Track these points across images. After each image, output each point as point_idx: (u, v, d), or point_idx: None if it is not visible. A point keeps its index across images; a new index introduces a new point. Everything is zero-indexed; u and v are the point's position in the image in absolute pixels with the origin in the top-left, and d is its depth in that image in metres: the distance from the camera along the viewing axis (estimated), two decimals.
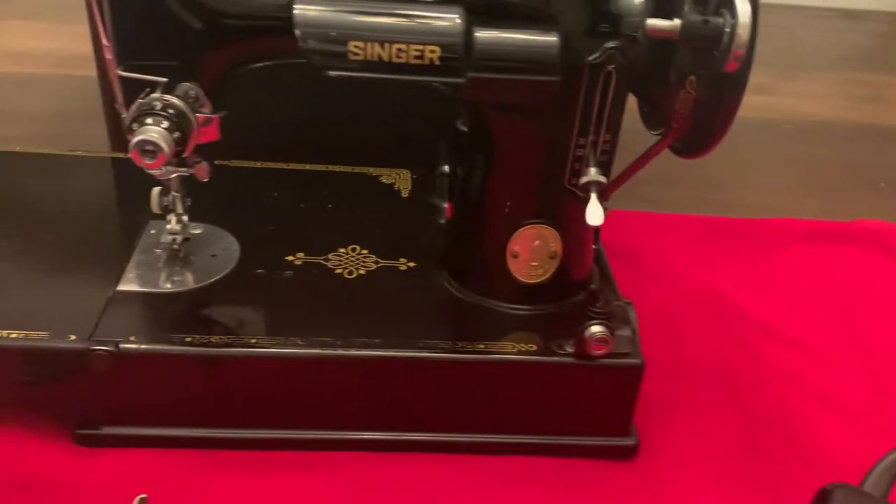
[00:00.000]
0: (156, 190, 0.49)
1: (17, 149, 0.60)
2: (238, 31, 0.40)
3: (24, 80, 0.90)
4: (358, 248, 0.52)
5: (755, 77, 1.18)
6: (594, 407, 0.47)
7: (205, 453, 0.45)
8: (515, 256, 0.47)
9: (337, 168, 0.62)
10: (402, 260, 0.52)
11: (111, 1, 0.38)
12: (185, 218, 0.50)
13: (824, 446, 0.52)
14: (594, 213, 0.42)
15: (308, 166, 0.61)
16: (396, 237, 0.54)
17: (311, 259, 0.51)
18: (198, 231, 0.52)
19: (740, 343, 0.59)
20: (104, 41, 0.39)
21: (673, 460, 0.49)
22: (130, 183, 0.57)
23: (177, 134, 0.39)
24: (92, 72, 0.93)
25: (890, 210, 0.79)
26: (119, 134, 0.67)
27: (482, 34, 0.38)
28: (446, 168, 0.57)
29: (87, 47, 0.99)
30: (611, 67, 0.41)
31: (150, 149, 0.38)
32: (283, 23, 0.38)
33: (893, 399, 0.56)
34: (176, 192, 0.48)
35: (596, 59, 0.40)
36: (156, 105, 0.39)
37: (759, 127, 0.95)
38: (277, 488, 0.44)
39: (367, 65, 0.37)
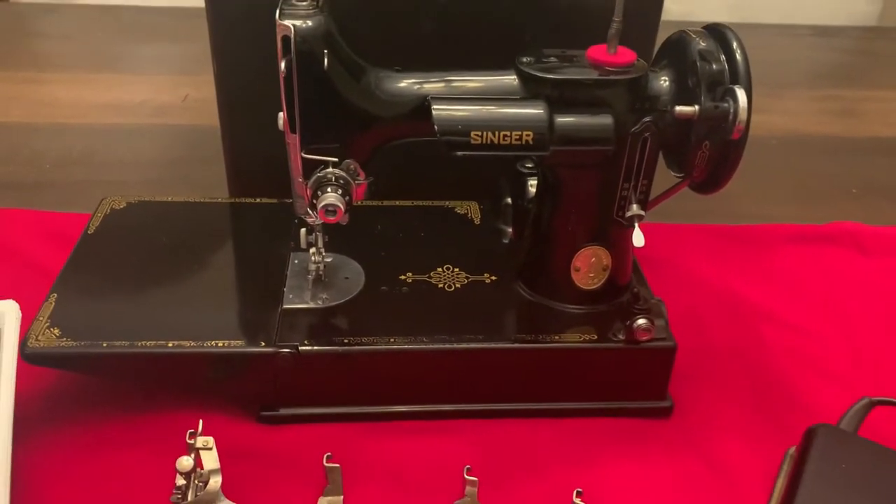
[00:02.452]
0: (303, 230, 0.64)
1: (170, 198, 0.76)
2: (386, 123, 0.56)
3: (128, 130, 1.05)
4: (451, 266, 0.68)
5: None
6: (639, 379, 0.63)
7: (361, 425, 0.61)
8: (577, 270, 0.63)
9: (421, 203, 0.78)
10: (486, 274, 0.68)
11: (301, 104, 0.53)
12: (322, 250, 0.66)
13: (816, 402, 0.67)
14: (638, 238, 0.58)
15: (398, 202, 0.77)
16: (478, 257, 0.70)
17: (419, 277, 0.67)
18: (330, 259, 0.67)
19: (748, 327, 0.75)
20: (290, 130, 0.55)
21: (699, 417, 0.65)
22: (266, 223, 0.73)
23: (346, 197, 0.55)
24: (181, 120, 1.10)
25: (861, 212, 0.94)
26: (237, 180, 0.82)
27: (560, 120, 0.54)
28: (508, 200, 0.73)
29: (173, 97, 1.15)
30: (647, 134, 0.57)
31: (332, 209, 0.54)
32: (421, 118, 0.54)
33: (868, 364, 0.72)
34: (318, 231, 0.64)
35: (637, 129, 0.56)
36: (330, 178, 0.55)
37: (752, 144, 1.11)
38: (420, 447, 0.60)
39: (482, 147, 0.54)
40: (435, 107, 0.54)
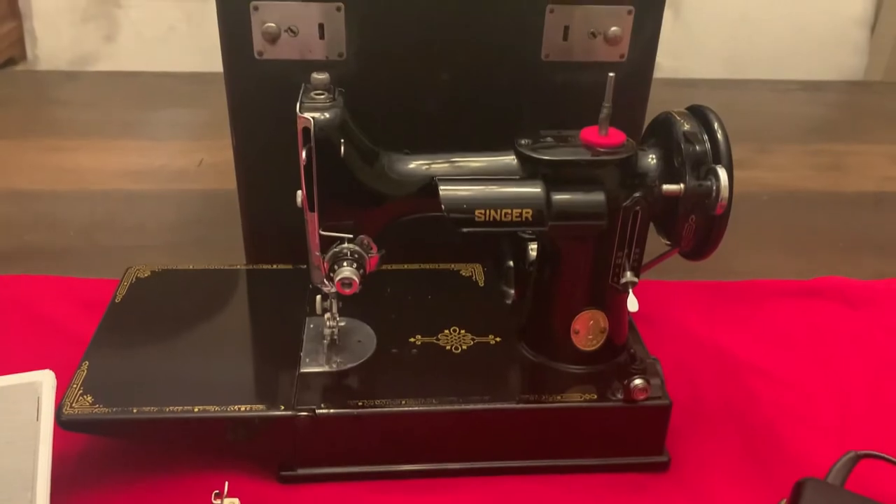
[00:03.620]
0: (318, 297, 0.69)
1: (191, 267, 0.81)
2: (398, 201, 0.61)
3: (147, 195, 1.11)
4: (458, 328, 0.73)
5: (738, 153, 1.41)
6: (637, 435, 0.67)
7: (375, 483, 0.65)
8: (576, 332, 0.67)
9: (428, 266, 0.82)
10: (491, 336, 0.72)
11: (319, 187, 0.58)
12: (337, 315, 0.70)
13: (806, 455, 0.70)
14: (632, 304, 0.63)
15: (406, 266, 0.82)
16: (482, 318, 0.74)
17: (428, 339, 0.71)
18: (343, 323, 0.71)
19: (739, 382, 0.79)
20: (308, 209, 0.60)
21: (696, 470, 0.68)
22: (282, 289, 0.78)
23: (361, 270, 0.60)
24: (197, 185, 1.15)
25: (848, 265, 0.99)
26: (254, 246, 0.87)
27: (556, 198, 0.59)
28: (510, 263, 0.78)
29: (188, 162, 1.21)
30: (638, 208, 0.62)
31: (347, 282, 0.59)
32: (429, 196, 0.59)
33: (855, 417, 0.76)
34: (333, 298, 0.69)
35: (628, 204, 0.61)
36: (346, 252, 0.59)
37: (743, 199, 1.15)
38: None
39: (486, 223, 0.58)
40: (442, 187, 0.59)
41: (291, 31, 0.75)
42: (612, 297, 0.66)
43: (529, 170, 0.61)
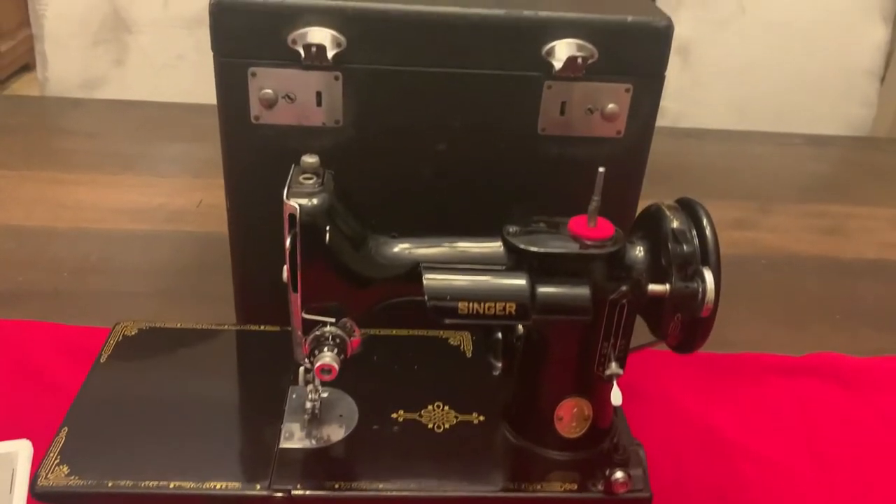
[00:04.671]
0: (302, 369, 0.68)
1: (178, 325, 0.81)
2: (383, 285, 0.61)
3: (143, 236, 1.10)
4: (441, 404, 0.72)
5: (738, 212, 1.42)
6: None
7: None
8: (560, 419, 0.66)
9: (416, 332, 0.82)
10: (475, 414, 0.71)
11: (303, 270, 0.58)
12: (319, 387, 0.70)
13: None
14: (616, 397, 0.62)
15: (394, 331, 0.81)
16: (468, 393, 0.73)
17: (410, 415, 0.71)
18: (326, 395, 0.71)
19: (726, 463, 0.78)
20: (292, 289, 0.60)
21: None
22: (269, 353, 0.78)
23: (341, 356, 0.59)
24: (194, 226, 1.15)
25: (843, 339, 0.98)
26: (244, 303, 0.87)
27: (541, 291, 0.59)
28: (499, 335, 0.77)
29: (187, 201, 1.21)
30: (624, 301, 0.61)
31: (327, 369, 0.59)
32: (414, 281, 0.59)
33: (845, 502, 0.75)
34: None
35: (614, 297, 0.61)
36: (328, 336, 0.59)
37: (740, 263, 1.15)
38: None
39: (469, 316, 0.58)
40: (426, 276, 0.59)
41: (289, 97, 0.75)
42: (597, 385, 0.65)
43: (515, 259, 0.60)
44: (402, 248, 0.62)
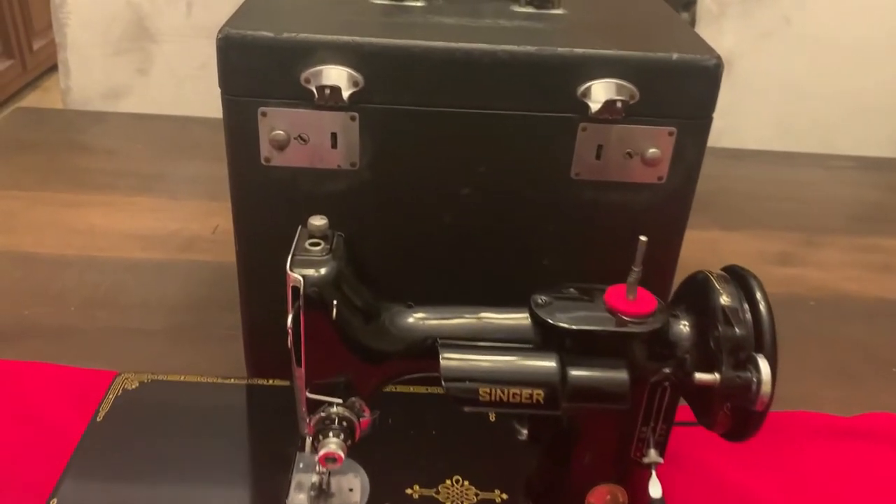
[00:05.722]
0: (309, 440, 0.63)
1: (182, 378, 0.76)
2: (396, 361, 0.55)
3: (156, 266, 1.06)
4: (461, 479, 0.66)
5: (781, 246, 1.32)
6: None
7: None
8: None
9: (436, 390, 0.76)
10: (497, 491, 0.65)
11: (308, 346, 0.53)
12: None
13: None
14: (654, 488, 0.56)
15: (412, 388, 0.76)
16: (490, 464, 0.67)
17: (426, 492, 0.65)
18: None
19: None
20: (296, 364, 0.54)
21: None
22: (276, 411, 0.72)
23: (348, 441, 0.54)
24: (208, 256, 1.11)
25: None
26: (252, 355, 0.81)
27: (573, 374, 0.52)
28: None
29: (203, 226, 1.16)
30: (666, 384, 0.55)
31: (332, 458, 0.53)
32: (431, 357, 0.53)
33: None
34: None
35: (655, 380, 0.54)
36: (334, 419, 0.53)
37: (785, 305, 1.06)
38: None
39: (491, 404, 0.52)
40: (444, 354, 0.53)
41: (301, 138, 0.70)
42: (633, 471, 0.59)
43: (545, 336, 0.54)
44: (417, 319, 0.56)
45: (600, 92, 0.68)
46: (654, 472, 0.56)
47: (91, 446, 0.67)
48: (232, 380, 0.76)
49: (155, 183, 1.28)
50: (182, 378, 0.75)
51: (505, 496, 0.65)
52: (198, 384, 0.74)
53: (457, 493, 0.65)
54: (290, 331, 0.51)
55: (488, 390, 0.51)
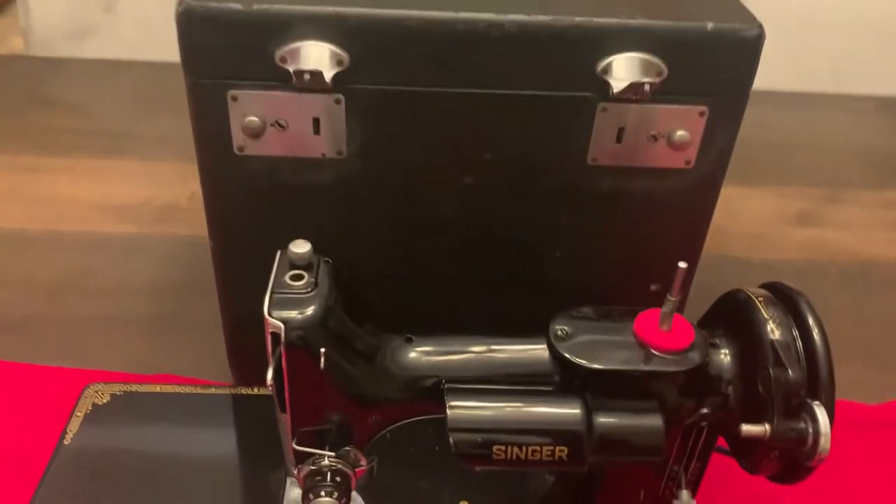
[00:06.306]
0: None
1: (158, 388, 0.69)
2: (397, 404, 0.48)
3: (127, 241, 0.97)
4: None
5: (801, 203, 1.23)
6: None
7: None
8: None
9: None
10: None
11: (293, 394, 0.45)
12: None
13: None
14: None
15: None
16: (500, 488, 0.61)
17: None
18: None
19: None
20: (280, 409, 0.47)
21: None
22: (263, 426, 0.65)
23: (343, 500, 0.47)
24: (183, 228, 1.02)
25: None
26: (235, 356, 0.74)
27: (600, 422, 0.45)
28: None
29: (177, 192, 1.08)
30: (704, 424, 0.48)
31: None
32: (435, 400, 0.46)
33: None
34: None
35: (692, 421, 0.48)
36: (325, 473, 0.47)
37: (807, 273, 1.00)
38: None
39: (506, 462, 0.45)
40: (451, 404, 0.45)
41: (279, 125, 0.60)
42: None
43: (565, 375, 0.47)
44: (420, 354, 0.48)
45: (623, 68, 0.58)
46: None
47: (57, 478, 0.60)
48: (213, 389, 0.69)
49: (125, 143, 1.18)
50: (158, 388, 0.68)
51: None
52: (176, 395, 0.68)
53: None
54: (270, 386, 0.44)
55: (503, 448, 0.45)
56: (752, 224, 1.09)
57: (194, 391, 0.68)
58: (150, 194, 1.07)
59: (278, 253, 0.47)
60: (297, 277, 0.45)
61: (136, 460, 0.62)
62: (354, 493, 0.60)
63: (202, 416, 0.67)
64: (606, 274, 0.69)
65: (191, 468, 0.62)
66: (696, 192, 0.65)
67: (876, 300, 0.97)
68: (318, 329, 0.44)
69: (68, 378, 0.74)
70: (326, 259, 0.47)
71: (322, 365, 0.43)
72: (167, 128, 1.22)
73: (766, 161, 1.23)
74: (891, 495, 0.72)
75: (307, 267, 0.45)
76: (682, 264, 0.44)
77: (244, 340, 0.71)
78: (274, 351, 0.44)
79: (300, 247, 0.45)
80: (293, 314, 0.43)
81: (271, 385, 0.44)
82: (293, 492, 0.60)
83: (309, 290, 0.44)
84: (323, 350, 0.43)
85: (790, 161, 1.24)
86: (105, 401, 0.66)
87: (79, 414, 0.65)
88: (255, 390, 0.69)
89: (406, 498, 0.60)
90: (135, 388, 0.68)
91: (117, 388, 0.67)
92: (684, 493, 0.50)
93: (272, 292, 0.44)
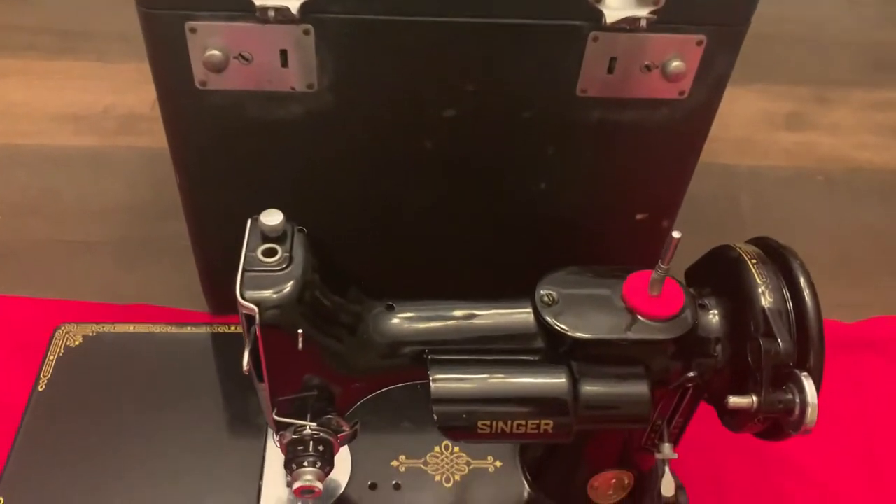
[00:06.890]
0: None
1: (132, 328, 0.67)
2: (375, 376, 0.47)
3: (89, 155, 0.92)
4: (450, 445, 0.61)
5: (790, 104, 1.18)
6: None
7: None
8: (595, 488, 0.55)
9: None
10: (490, 458, 0.60)
11: (271, 369, 0.44)
12: None
13: None
14: (667, 486, 0.50)
15: None
16: None
17: (413, 463, 0.59)
18: None
19: (770, 482, 0.67)
20: (257, 378, 0.46)
21: None
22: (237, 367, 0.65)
23: (327, 468, 0.47)
24: (148, 140, 0.97)
25: None
26: (210, 287, 0.72)
27: (587, 391, 0.44)
28: None
29: (140, 99, 1.01)
30: (689, 385, 0.47)
31: (308, 490, 0.46)
32: (419, 367, 0.45)
33: None
34: None
35: (678, 384, 0.47)
36: (308, 442, 0.46)
37: (792, 181, 0.98)
38: None
39: (490, 436, 0.44)
40: (434, 376, 0.44)
41: (243, 58, 0.56)
42: (642, 457, 0.54)
43: (551, 342, 0.46)
44: (403, 321, 0.46)
45: None
46: (668, 469, 0.50)
47: (34, 429, 0.59)
48: (189, 328, 0.68)
49: (81, 42, 1.10)
50: (132, 328, 0.66)
51: (499, 464, 0.60)
52: (151, 335, 0.66)
53: (446, 463, 0.60)
54: (247, 367, 0.42)
55: (488, 423, 0.44)
56: (739, 127, 1.06)
57: (169, 330, 0.67)
58: (111, 100, 1.00)
59: (248, 222, 0.44)
60: (270, 252, 0.42)
61: (113, 406, 0.61)
62: None
63: (178, 357, 0.65)
64: (592, 205, 0.67)
65: (170, 415, 0.61)
66: (688, 123, 0.62)
67: (860, 211, 0.95)
68: (295, 308, 0.41)
69: (38, 310, 0.72)
70: (301, 228, 0.44)
71: (300, 346, 0.42)
72: (124, 24, 1.13)
73: (756, 56, 1.16)
74: (868, 414, 0.73)
75: (280, 239, 0.43)
76: (676, 234, 0.42)
77: (217, 273, 0.69)
78: (249, 331, 0.42)
79: (272, 217, 0.42)
80: (267, 294, 0.41)
81: (248, 368, 0.42)
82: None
83: (284, 266, 0.42)
84: (300, 331, 0.41)
85: (783, 57, 1.18)
86: (78, 342, 0.65)
87: (51, 357, 0.64)
88: (232, 328, 0.67)
89: (387, 441, 0.60)
90: (107, 328, 0.66)
91: (90, 329, 0.66)
92: (666, 447, 0.50)
93: (244, 271, 0.42)
